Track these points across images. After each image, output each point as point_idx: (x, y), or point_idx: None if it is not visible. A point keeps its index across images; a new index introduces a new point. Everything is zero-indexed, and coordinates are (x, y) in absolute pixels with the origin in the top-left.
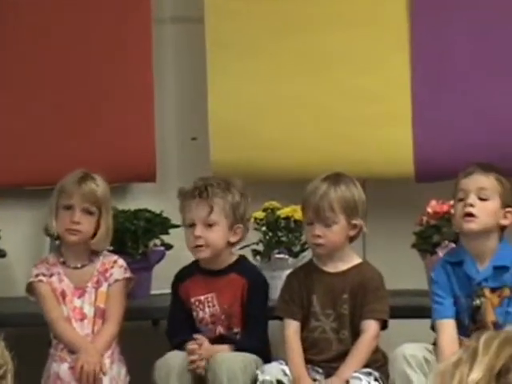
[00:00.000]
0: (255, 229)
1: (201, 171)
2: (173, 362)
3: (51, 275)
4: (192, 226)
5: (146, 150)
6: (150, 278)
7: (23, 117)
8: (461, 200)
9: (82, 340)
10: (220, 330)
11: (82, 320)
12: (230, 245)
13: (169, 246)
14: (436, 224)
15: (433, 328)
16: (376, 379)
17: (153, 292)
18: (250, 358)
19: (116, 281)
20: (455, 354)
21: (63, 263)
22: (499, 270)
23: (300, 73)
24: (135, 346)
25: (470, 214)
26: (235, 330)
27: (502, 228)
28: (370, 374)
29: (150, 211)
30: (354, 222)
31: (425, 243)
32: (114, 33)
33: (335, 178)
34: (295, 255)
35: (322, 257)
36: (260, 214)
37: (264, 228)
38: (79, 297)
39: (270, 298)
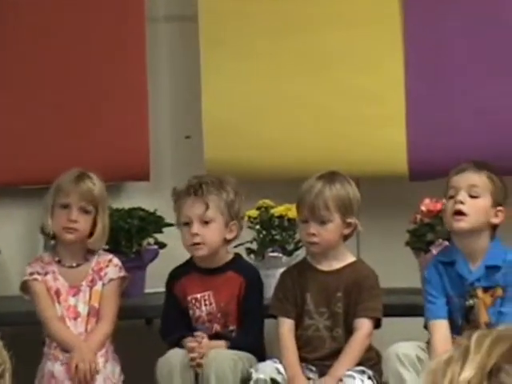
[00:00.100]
0: (249, 227)
1: (195, 170)
2: (174, 360)
3: (46, 273)
4: (188, 224)
5: (140, 149)
6: (143, 276)
7: (18, 117)
8: (451, 197)
9: (76, 339)
10: (216, 327)
11: (75, 319)
12: (226, 242)
13: (162, 245)
14: (430, 222)
15: (426, 327)
16: (369, 377)
17: (146, 291)
18: (241, 355)
19: (111, 280)
20: (447, 353)
21: (58, 262)
22: (491, 269)
23: (294, 72)
24: (129, 344)
25: (460, 212)
26: (231, 327)
27: (494, 227)
28: (363, 372)
29: (143, 210)
30: (349, 220)
31: (418, 241)
32: (108, 32)
33: (330, 177)
34: (289, 253)
35: (317, 255)
36: (254, 213)
37: (258, 226)
38: (74, 295)
39: (264, 296)
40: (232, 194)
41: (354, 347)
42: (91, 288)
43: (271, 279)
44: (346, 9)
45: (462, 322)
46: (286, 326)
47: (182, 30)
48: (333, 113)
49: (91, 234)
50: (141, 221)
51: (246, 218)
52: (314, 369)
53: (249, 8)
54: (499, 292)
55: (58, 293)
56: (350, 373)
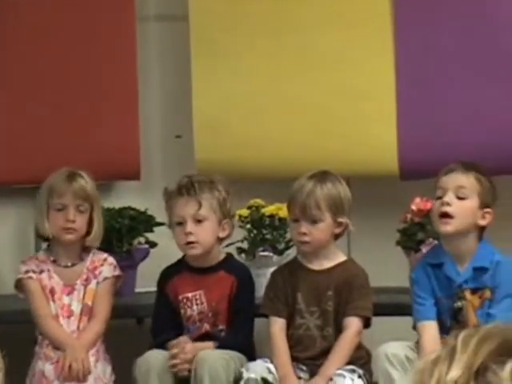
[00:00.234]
0: (240, 226)
1: (185, 169)
2: (153, 360)
3: (41, 272)
4: (181, 224)
5: (131, 148)
6: (134, 275)
7: (9, 117)
8: (439, 198)
9: (69, 338)
10: (206, 327)
11: (69, 317)
12: (219, 240)
13: (153, 244)
14: (420, 221)
15: (414, 328)
16: (360, 376)
17: (137, 290)
18: (233, 355)
19: (105, 278)
20: (434, 352)
21: (54, 262)
22: (479, 271)
23: (285, 71)
24: (119, 344)
25: (447, 215)
26: (220, 327)
27: (481, 228)
28: (353, 371)
29: (134, 209)
30: (340, 219)
31: (409, 240)
32: (99, 31)
33: (321, 176)
34: (280, 253)
35: (308, 254)
36: (244, 212)
37: (248, 226)
38: (68, 294)
39: (255, 295)
40: (224, 193)
41: (343, 346)
42: (86, 286)
43: (262, 278)
44: (337, 10)
45: (451, 323)
46: (278, 325)
47: (172, 30)
48: (323, 112)
49: (87, 232)
50: (131, 220)
51: (236, 218)
52: (304, 368)
53: (239, 8)
54: (487, 294)
55: (52, 291)
56: (340, 372)
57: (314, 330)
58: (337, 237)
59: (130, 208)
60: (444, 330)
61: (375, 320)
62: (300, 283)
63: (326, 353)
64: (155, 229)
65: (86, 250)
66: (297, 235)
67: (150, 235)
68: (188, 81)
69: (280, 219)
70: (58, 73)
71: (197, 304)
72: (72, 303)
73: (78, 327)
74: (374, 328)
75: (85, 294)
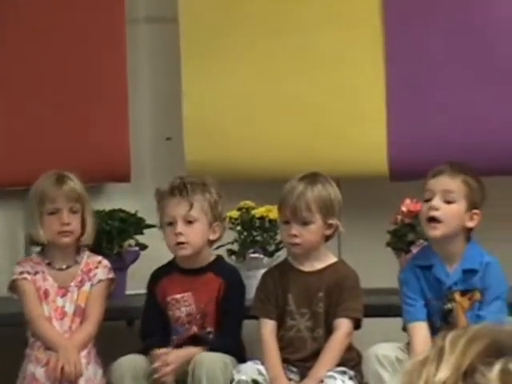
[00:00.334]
0: (230, 228)
1: (175, 171)
2: (127, 364)
3: (36, 273)
4: (171, 224)
5: (121, 150)
6: (124, 278)
7: None
8: (427, 201)
9: (62, 339)
10: (194, 329)
11: (61, 319)
12: (210, 243)
13: (143, 246)
14: (410, 223)
15: (404, 329)
16: (351, 378)
17: (127, 292)
18: (228, 357)
19: (100, 281)
20: (422, 353)
21: (48, 264)
22: (468, 273)
23: (275, 73)
24: (110, 346)
25: (435, 219)
26: (208, 329)
27: (469, 229)
28: (344, 372)
29: (124, 211)
30: (331, 221)
31: (399, 242)
32: (88, 33)
33: (312, 178)
34: (270, 254)
35: (298, 256)
36: (235, 214)
37: (239, 227)
38: (62, 296)
39: (245, 297)
40: (215, 195)
41: (334, 347)
42: (79, 288)
43: (252, 280)
44: (327, 12)
45: (441, 324)
46: (268, 327)
47: (162, 32)
48: (313, 113)
49: (81, 231)
50: (122, 222)
51: (227, 219)
52: (295, 370)
53: (229, 10)
54: (477, 296)
55: (46, 293)
56: (331, 373)
57: (305, 332)
58: (327, 238)
59: (120, 210)
60: (434, 332)
61: (366, 321)
62: (290, 285)
63: (316, 354)
64: (145, 231)
65: (79, 251)
66: (287, 237)
67: (140, 237)
68: (178, 83)
69: (270, 221)
70: (48, 75)
71: (185, 306)
72: (65, 305)
73: (70, 327)
74: (365, 329)
75: (78, 295)
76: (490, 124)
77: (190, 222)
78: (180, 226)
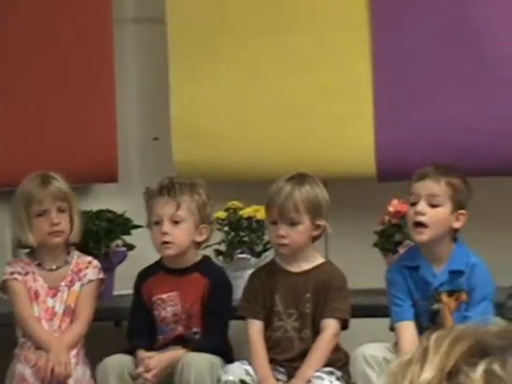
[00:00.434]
0: (217, 229)
1: (163, 171)
2: (112, 364)
3: (26, 273)
4: (158, 223)
5: (108, 151)
6: (112, 278)
7: None
8: (413, 204)
9: (52, 340)
10: (180, 329)
11: (51, 319)
12: (196, 244)
13: (131, 247)
14: (397, 223)
15: (392, 329)
16: (338, 378)
17: (115, 293)
18: (215, 358)
19: (90, 281)
20: (407, 354)
21: (38, 265)
22: (455, 273)
23: (262, 73)
24: (97, 346)
25: (421, 223)
26: (194, 329)
27: (456, 230)
28: (332, 373)
29: (111, 212)
30: (318, 222)
31: (386, 242)
32: (76, 33)
33: (299, 179)
34: (257, 255)
35: (286, 256)
36: (222, 214)
37: (226, 228)
38: (52, 297)
39: (232, 297)
40: (204, 197)
41: (321, 348)
42: (69, 288)
43: (240, 281)
44: (316, 13)
45: (428, 324)
46: (255, 327)
47: (150, 32)
48: (301, 114)
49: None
50: (109, 223)
51: (214, 222)
52: (282, 370)
53: (217, 10)
54: (463, 296)
55: (36, 294)
56: (318, 374)
57: (292, 332)
58: (314, 239)
59: (107, 210)
60: (421, 332)
61: (353, 322)
62: (278, 285)
63: (303, 355)
64: (133, 231)
65: (68, 251)
66: (275, 238)
67: (127, 238)
68: (166, 83)
69: (258, 221)
70: (35, 75)
71: (171, 305)
72: (55, 305)
73: (60, 327)
74: (352, 330)
75: (68, 295)
76: (477, 125)
77: (176, 222)
78: (166, 226)
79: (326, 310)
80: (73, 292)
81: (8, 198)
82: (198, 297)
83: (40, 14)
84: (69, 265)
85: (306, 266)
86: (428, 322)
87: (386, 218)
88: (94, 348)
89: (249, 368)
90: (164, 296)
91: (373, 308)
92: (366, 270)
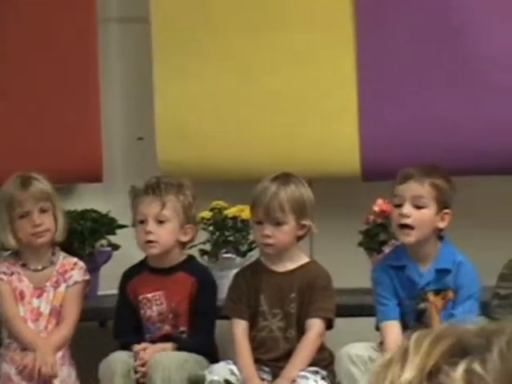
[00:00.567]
0: (202, 228)
1: (147, 171)
2: (117, 362)
3: (12, 274)
4: (143, 222)
5: (93, 150)
6: (96, 278)
7: None
8: (397, 206)
9: (39, 339)
10: (167, 328)
11: (37, 320)
12: (180, 244)
13: (116, 247)
14: (382, 223)
15: (377, 328)
16: (323, 378)
17: (100, 293)
18: (189, 356)
19: (75, 283)
20: (387, 354)
21: (23, 265)
22: (442, 272)
23: (247, 72)
24: (82, 346)
25: (407, 225)
26: (181, 328)
27: (441, 229)
28: (317, 372)
29: (96, 211)
30: (303, 222)
31: (371, 242)
32: (60, 33)
33: (285, 178)
34: (243, 254)
35: (271, 256)
36: (207, 214)
37: (211, 228)
38: (38, 297)
39: (217, 297)
40: (190, 198)
41: (306, 347)
42: (55, 289)
43: (225, 280)
44: (300, 12)
45: (414, 324)
46: (240, 327)
47: (134, 31)
48: (286, 113)
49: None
50: (94, 222)
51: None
52: (267, 370)
53: (200, 9)
54: (450, 295)
55: (22, 294)
56: (303, 373)
57: (277, 332)
58: (299, 239)
59: (92, 210)
60: (407, 332)
61: (338, 321)
62: (263, 285)
63: (289, 355)
64: (118, 231)
65: (54, 252)
66: (261, 237)
67: (112, 238)
68: (150, 83)
69: (242, 221)
70: (18, 74)
71: (157, 305)
72: (41, 305)
73: (46, 328)
74: (337, 329)
75: (54, 296)
76: (462, 123)
77: (161, 222)
78: (151, 225)
79: (310, 310)
80: (58, 293)
81: None
82: (184, 296)
83: (24, 14)
84: (54, 265)
85: (290, 265)
86: (414, 321)
87: (371, 217)
88: (79, 348)
89: (234, 368)
90: (149, 295)
91: (358, 307)
92: (350, 270)
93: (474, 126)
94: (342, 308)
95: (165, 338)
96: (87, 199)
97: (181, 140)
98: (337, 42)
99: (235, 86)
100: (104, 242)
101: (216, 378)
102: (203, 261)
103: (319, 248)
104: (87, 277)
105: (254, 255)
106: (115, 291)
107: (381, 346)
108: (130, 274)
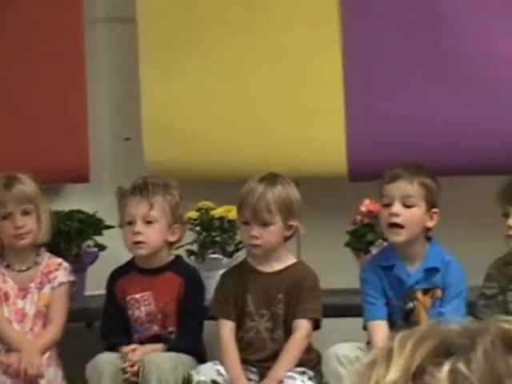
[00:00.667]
0: (189, 229)
1: (135, 172)
2: (104, 363)
3: None
4: (131, 223)
5: (80, 151)
6: (83, 279)
7: None
8: (386, 206)
9: (25, 341)
10: (155, 329)
11: (22, 321)
12: (168, 244)
13: (102, 247)
14: (369, 223)
15: (365, 328)
16: (310, 378)
17: (87, 293)
18: (180, 357)
19: (61, 284)
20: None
21: (7, 266)
22: (430, 271)
23: (234, 72)
24: (69, 347)
25: (396, 224)
26: (170, 329)
27: (429, 228)
28: (304, 373)
29: (83, 212)
30: (291, 222)
31: (358, 242)
32: (47, 33)
33: (271, 179)
34: (229, 255)
35: (258, 257)
36: (194, 214)
37: (198, 228)
38: (22, 298)
39: (204, 297)
40: (177, 197)
41: (293, 348)
42: (40, 290)
43: (212, 281)
44: (286, 11)
45: (402, 323)
46: (227, 327)
47: (121, 32)
48: (272, 113)
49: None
50: (80, 223)
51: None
52: (254, 370)
53: (187, 9)
54: (438, 293)
55: (6, 295)
56: (290, 374)
57: (264, 333)
58: (286, 239)
59: (78, 211)
60: (394, 332)
61: (325, 321)
62: (250, 286)
63: (276, 355)
64: (104, 232)
65: (38, 252)
66: (248, 238)
67: (99, 238)
68: (137, 83)
69: (229, 221)
70: (5, 74)
71: (145, 305)
72: (25, 306)
73: (32, 329)
74: (324, 329)
75: (39, 297)
76: (449, 124)
77: (149, 222)
78: (139, 226)
79: (298, 311)
80: (43, 295)
81: None
82: (173, 296)
83: (10, 13)
84: (38, 266)
85: (278, 266)
86: (402, 320)
87: (358, 217)
88: (66, 349)
89: (221, 368)
90: (137, 296)
91: (345, 308)
92: (338, 270)
93: (461, 126)
94: (329, 308)
95: (153, 339)
96: (74, 200)
97: (168, 140)
98: (323, 40)
99: (222, 85)
100: (91, 242)
101: (203, 378)
102: (190, 261)
103: (306, 248)
104: (72, 278)
105: (240, 256)
106: (102, 292)
107: (368, 345)
108: (118, 275)
